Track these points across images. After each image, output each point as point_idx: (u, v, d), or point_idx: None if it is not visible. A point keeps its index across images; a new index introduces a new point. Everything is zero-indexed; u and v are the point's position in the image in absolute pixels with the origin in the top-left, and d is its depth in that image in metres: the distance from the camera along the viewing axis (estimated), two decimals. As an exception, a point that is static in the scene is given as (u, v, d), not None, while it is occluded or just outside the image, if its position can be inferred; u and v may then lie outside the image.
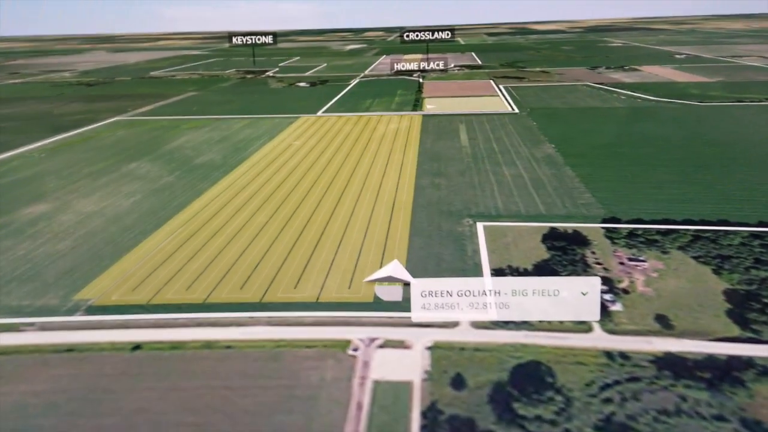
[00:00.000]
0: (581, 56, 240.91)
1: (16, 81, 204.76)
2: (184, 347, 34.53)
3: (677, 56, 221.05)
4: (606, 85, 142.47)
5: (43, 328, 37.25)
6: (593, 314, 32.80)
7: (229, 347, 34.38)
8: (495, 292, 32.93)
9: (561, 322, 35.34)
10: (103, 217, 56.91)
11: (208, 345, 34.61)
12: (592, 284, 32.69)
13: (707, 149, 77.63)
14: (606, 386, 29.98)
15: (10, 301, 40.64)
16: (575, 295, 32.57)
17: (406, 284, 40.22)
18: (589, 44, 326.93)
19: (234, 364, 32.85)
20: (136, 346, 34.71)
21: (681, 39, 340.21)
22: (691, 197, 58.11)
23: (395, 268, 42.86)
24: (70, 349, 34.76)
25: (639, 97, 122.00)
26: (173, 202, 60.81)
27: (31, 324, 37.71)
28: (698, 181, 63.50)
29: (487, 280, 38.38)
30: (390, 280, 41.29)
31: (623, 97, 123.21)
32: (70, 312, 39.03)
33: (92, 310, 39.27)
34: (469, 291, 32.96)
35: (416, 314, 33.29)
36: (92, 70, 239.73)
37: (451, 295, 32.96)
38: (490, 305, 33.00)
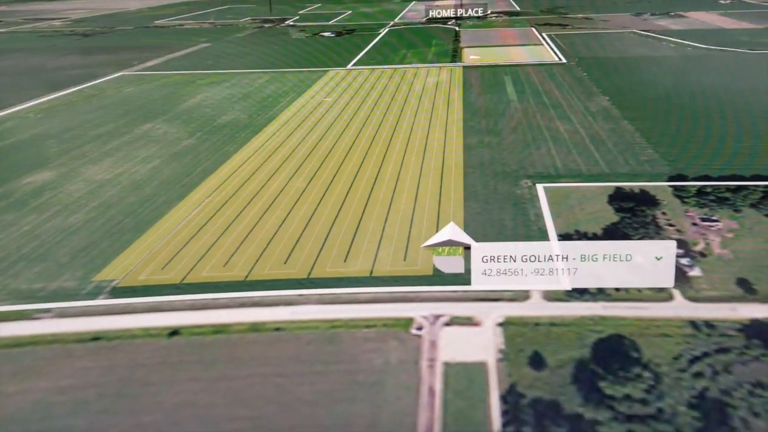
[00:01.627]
0: (624, 1, 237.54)
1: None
2: (228, 331, 33.32)
3: (721, 1, 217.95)
4: (653, 32, 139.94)
5: (62, 314, 35.39)
6: (668, 280, 32.64)
7: (278, 329, 33.25)
8: (562, 257, 32.85)
9: (639, 290, 34.78)
10: (118, 185, 55.26)
11: (255, 327, 33.49)
12: (667, 248, 32.33)
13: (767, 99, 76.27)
14: (695, 359, 29.49)
15: (19, 285, 38.69)
16: (649, 260, 32.41)
17: (467, 248, 39.38)
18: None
19: (285, 348, 31.70)
20: (174, 332, 33.39)
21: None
22: (757, 151, 57.04)
23: (453, 231, 42.15)
24: (96, 337, 33.14)
25: (689, 45, 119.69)
26: (198, 167, 59.36)
27: (47, 310, 35.72)
28: (763, 133, 62.35)
29: (554, 245, 38.25)
30: (449, 243, 40.80)
31: (673, 45, 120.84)
32: (92, 295, 37.21)
33: (118, 292, 37.56)
34: (535, 256, 32.57)
35: (477, 281, 33.07)
36: (87, 18, 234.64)
37: (515, 261, 32.62)
38: (558, 271, 32.94)
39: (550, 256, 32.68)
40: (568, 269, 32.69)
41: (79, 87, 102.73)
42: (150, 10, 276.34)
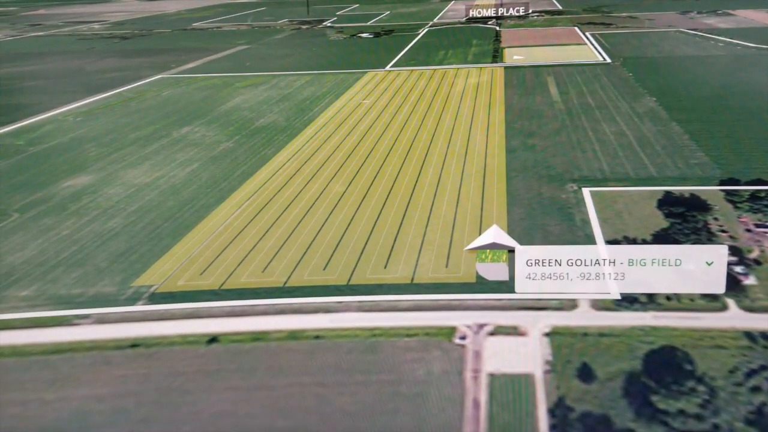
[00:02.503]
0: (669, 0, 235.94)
1: (39, 34, 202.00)
2: (267, 338, 32.87)
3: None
4: (701, 31, 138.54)
5: (101, 320, 35.24)
6: (719, 286, 31.67)
7: (317, 337, 32.75)
8: (610, 262, 32.02)
9: (691, 300, 34.01)
10: (157, 189, 55.13)
11: (294, 335, 33.03)
12: (719, 253, 31.44)
13: (822, 101, 74.51)
14: (752, 372, 28.56)
15: (58, 290, 38.47)
16: (700, 266, 31.53)
17: (511, 251, 38.79)
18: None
19: (325, 356, 31.21)
20: (212, 339, 33.03)
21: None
22: (812, 154, 55.36)
23: (497, 234, 41.57)
24: (134, 344, 32.89)
25: (738, 44, 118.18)
26: (236, 171, 59.11)
27: (86, 316, 35.55)
28: (817, 135, 60.59)
29: (601, 249, 37.31)
30: (493, 246, 40.24)
31: (721, 44, 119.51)
32: (131, 301, 37.00)
33: (156, 298, 37.37)
34: (581, 260, 31.82)
35: (521, 285, 32.34)
36: (125, 21, 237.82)
37: (560, 265, 31.87)
38: (605, 276, 32.13)
39: (597, 260, 31.94)
40: (616, 274, 31.86)
41: (118, 90, 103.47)
42: (188, 12, 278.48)
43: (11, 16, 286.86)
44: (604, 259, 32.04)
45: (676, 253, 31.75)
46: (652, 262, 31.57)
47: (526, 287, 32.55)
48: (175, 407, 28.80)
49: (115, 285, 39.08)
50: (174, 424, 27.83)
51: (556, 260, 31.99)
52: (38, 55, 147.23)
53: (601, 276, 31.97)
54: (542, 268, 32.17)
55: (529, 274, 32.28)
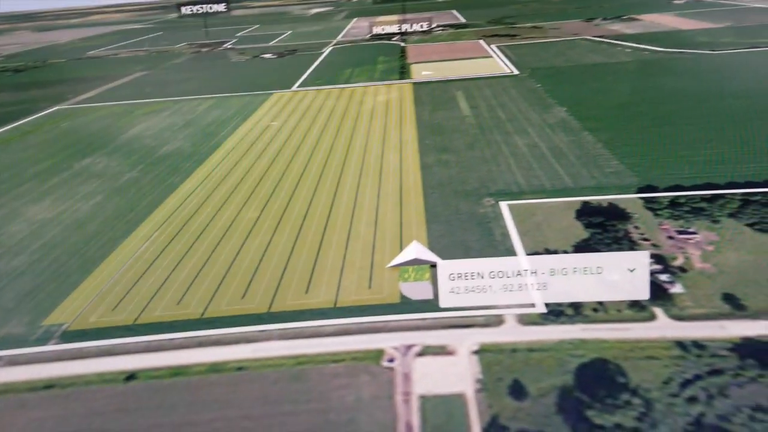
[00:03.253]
0: (573, 7, 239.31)
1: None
2: (188, 373, 32.24)
3: (676, 2, 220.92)
4: (607, 37, 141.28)
5: (12, 362, 34.38)
6: (642, 292, 32.02)
7: (240, 368, 32.25)
8: (531, 272, 32.06)
9: (619, 311, 34.47)
10: (61, 224, 53.92)
11: (216, 368, 32.43)
12: (641, 260, 31.86)
13: (734, 102, 76.34)
14: (687, 383, 28.91)
15: None
16: (621, 273, 31.80)
17: (433, 266, 39.37)
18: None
19: (250, 388, 30.71)
20: (130, 376, 32.32)
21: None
22: (729, 157, 56.96)
23: (418, 249, 42.15)
24: (49, 385, 32.07)
25: (646, 49, 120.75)
26: (142, 201, 58.08)
27: None
28: (733, 138, 62.37)
29: (522, 260, 37.56)
30: (415, 262, 40.58)
31: (628, 50, 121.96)
32: (42, 341, 36.12)
33: (68, 336, 36.51)
34: (503, 272, 31.95)
35: (444, 300, 32.33)
36: (19, 53, 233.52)
37: (482, 277, 31.96)
38: (527, 286, 32.16)
39: (519, 271, 32.01)
40: (538, 284, 31.86)
41: (15, 124, 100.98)
42: (81, 41, 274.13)
43: None
44: (526, 270, 32.09)
45: (598, 261, 31.99)
46: (574, 271, 31.77)
47: (450, 302, 32.41)
48: (95, 449, 28.05)
49: (24, 325, 38.22)
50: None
51: (478, 273, 32.05)
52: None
53: (524, 287, 32.06)
54: (465, 282, 32.18)
55: (453, 288, 32.26)
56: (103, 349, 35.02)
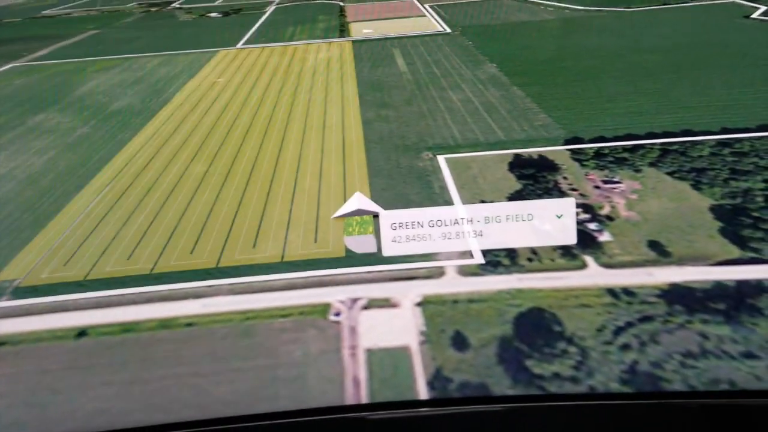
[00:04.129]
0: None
1: None
2: (138, 329, 30.38)
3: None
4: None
5: (-36, 319, 31.83)
6: (570, 237, 30.98)
7: (190, 324, 30.44)
8: (468, 221, 31.11)
9: (552, 260, 33.40)
10: (13, 180, 51.33)
11: (166, 324, 30.59)
12: (567, 206, 30.90)
13: (649, 57, 75.60)
14: (619, 330, 27.87)
15: None
16: (550, 219, 30.89)
17: (375, 216, 38.87)
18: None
19: (200, 345, 28.99)
20: (81, 332, 30.33)
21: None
22: (647, 108, 56.13)
23: (361, 200, 41.28)
24: (0, 342, 30.07)
25: (567, 8, 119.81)
26: (93, 156, 55.46)
27: None
28: (650, 90, 61.61)
29: (459, 209, 36.38)
30: (358, 213, 39.73)
31: (551, 9, 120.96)
32: (-6, 297, 33.44)
33: (20, 292, 34.27)
34: (441, 221, 30.76)
35: (387, 248, 31.00)
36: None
37: (422, 226, 30.62)
38: (464, 234, 31.16)
39: (456, 220, 30.66)
40: (474, 232, 30.73)
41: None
42: (36, 0, 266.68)
43: None
44: (463, 219, 31.03)
45: (529, 208, 30.66)
46: (507, 219, 30.55)
47: (392, 250, 31.13)
48: (46, 408, 26.09)
49: (-25, 281, 35.54)
50: (47, 425, 25.05)
51: (418, 222, 30.68)
52: None
53: (461, 234, 30.83)
54: (406, 231, 30.67)
55: (395, 237, 30.76)
56: (54, 305, 32.90)
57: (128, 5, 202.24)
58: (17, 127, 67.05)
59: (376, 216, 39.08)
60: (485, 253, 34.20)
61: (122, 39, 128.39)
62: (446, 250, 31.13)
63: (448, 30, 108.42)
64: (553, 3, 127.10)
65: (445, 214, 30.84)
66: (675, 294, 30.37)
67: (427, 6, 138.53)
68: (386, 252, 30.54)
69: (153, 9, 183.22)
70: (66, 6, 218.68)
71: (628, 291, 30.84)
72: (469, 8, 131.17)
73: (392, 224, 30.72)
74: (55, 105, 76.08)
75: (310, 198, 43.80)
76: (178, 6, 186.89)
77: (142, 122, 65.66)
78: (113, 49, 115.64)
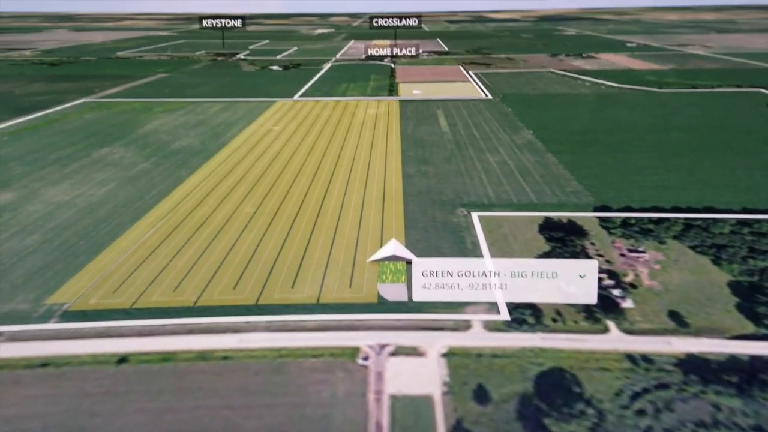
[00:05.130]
0: (541, 43, 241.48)
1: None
2: (176, 359, 29.84)
3: (628, 44, 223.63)
4: (569, 71, 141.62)
5: (13, 338, 31.82)
6: (591, 297, 30.62)
7: (226, 358, 29.88)
8: (495, 273, 30.67)
9: (575, 322, 32.77)
10: (75, 207, 51.37)
11: (203, 356, 30.05)
12: (590, 267, 30.57)
13: (677, 135, 76.06)
14: (636, 395, 27.04)
15: None
16: (574, 278, 30.41)
17: (408, 263, 38.14)
18: (546, 32, 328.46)
19: (233, 378, 28.38)
20: (122, 359, 29.84)
21: (628, 29, 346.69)
22: (673, 183, 55.83)
23: (396, 247, 40.95)
24: (45, 363, 29.53)
25: (602, 84, 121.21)
26: (152, 191, 55.75)
27: None
28: (676, 166, 61.44)
29: (487, 261, 36.30)
30: (392, 258, 39.50)
31: (588, 84, 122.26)
32: (44, 319, 33.52)
33: (68, 316, 33.89)
34: (470, 272, 30.64)
35: (417, 294, 30.86)
36: (55, 49, 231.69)
37: (451, 276, 30.74)
38: (491, 286, 30.72)
39: (484, 272, 30.54)
40: (500, 285, 30.46)
41: (44, 112, 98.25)
42: (113, 42, 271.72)
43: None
44: (490, 271, 30.75)
45: (553, 266, 30.90)
46: (532, 274, 30.62)
47: (422, 296, 30.93)
48: (82, 430, 25.57)
49: (29, 302, 35.53)
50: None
51: (448, 271, 30.74)
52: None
53: (488, 286, 30.66)
54: (436, 279, 30.94)
55: (425, 284, 30.87)
56: (99, 330, 32.52)
57: (197, 53, 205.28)
58: (83, 159, 67.46)
59: (409, 263, 38.51)
60: (511, 310, 33.51)
61: (188, 84, 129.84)
62: (473, 300, 30.81)
63: (490, 96, 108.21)
64: (590, 78, 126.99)
65: (473, 265, 30.50)
66: (691, 364, 29.42)
67: (471, 72, 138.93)
68: (416, 297, 30.16)
69: (219, 58, 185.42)
70: (139, 49, 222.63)
71: (646, 358, 29.90)
72: (511, 78, 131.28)
73: (423, 271, 30.44)
74: (121, 140, 76.55)
75: (349, 244, 43.20)
76: (243, 57, 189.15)
77: (200, 162, 65.74)
78: (179, 92, 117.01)
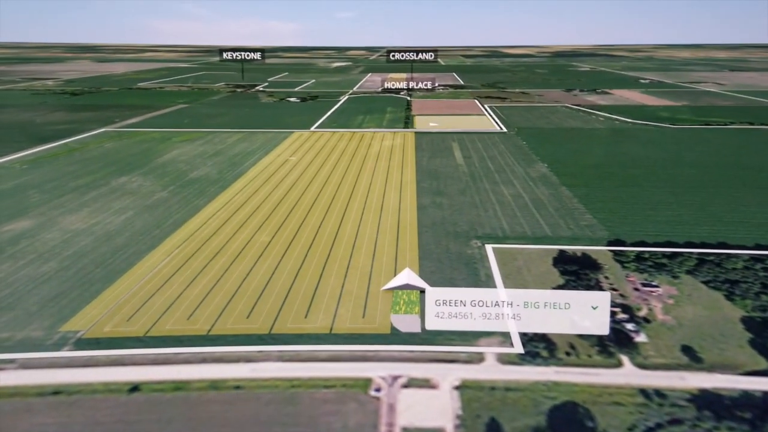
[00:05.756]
0: (555, 79, 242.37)
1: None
2: (188, 388, 29.52)
3: (642, 81, 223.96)
4: (583, 106, 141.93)
5: (26, 365, 31.57)
6: (603, 328, 30.22)
7: (238, 387, 29.55)
8: (508, 304, 30.35)
9: (589, 356, 32.36)
10: (92, 235, 51.25)
11: (215, 385, 29.73)
12: (602, 299, 30.21)
13: (690, 170, 75.78)
14: (649, 431, 26.66)
15: None
16: (586, 310, 30.06)
17: (422, 292, 37.91)
18: (560, 68, 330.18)
19: (245, 408, 28.01)
20: (134, 387, 29.55)
21: (641, 65, 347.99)
22: (686, 219, 55.44)
23: (410, 276, 40.80)
24: (56, 391, 29.25)
25: (616, 119, 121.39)
26: (168, 219, 55.66)
27: (11, 361, 31.90)
28: (690, 202, 61.07)
29: (500, 291, 35.99)
30: (406, 287, 39.34)
31: (602, 119, 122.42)
32: (57, 346, 33.29)
33: (82, 343, 33.64)
34: (483, 302, 30.33)
35: (430, 323, 30.52)
36: (77, 79, 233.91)
37: (464, 305, 30.39)
38: (503, 316, 30.39)
39: (497, 302, 30.28)
40: (513, 315, 30.13)
41: (64, 141, 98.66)
42: (134, 73, 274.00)
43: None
44: (503, 301, 30.47)
45: (566, 298, 30.53)
46: (545, 305, 30.21)
47: (435, 325, 30.60)
48: (92, 460, 25.31)
49: (43, 329, 35.26)
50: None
51: (461, 301, 30.42)
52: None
53: (501, 316, 30.33)
54: (449, 308, 30.59)
55: (438, 313, 30.51)
56: (112, 358, 32.24)
57: (217, 84, 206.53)
58: (101, 187, 67.54)
59: (422, 292, 38.19)
60: (525, 342, 33.10)
61: (208, 114, 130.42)
62: (485, 329, 30.42)
63: (505, 129, 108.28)
64: (603, 113, 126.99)
65: (486, 295, 30.18)
66: (704, 399, 28.93)
67: (487, 106, 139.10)
68: (429, 326, 29.86)
69: (239, 90, 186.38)
70: (160, 80, 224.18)
71: (660, 392, 29.42)
72: (525, 112, 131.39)
73: (437, 300, 30.12)
74: (139, 169, 76.62)
75: (362, 274, 42.83)
76: (261, 89, 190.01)
77: (217, 191, 65.71)
78: (198, 122, 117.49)
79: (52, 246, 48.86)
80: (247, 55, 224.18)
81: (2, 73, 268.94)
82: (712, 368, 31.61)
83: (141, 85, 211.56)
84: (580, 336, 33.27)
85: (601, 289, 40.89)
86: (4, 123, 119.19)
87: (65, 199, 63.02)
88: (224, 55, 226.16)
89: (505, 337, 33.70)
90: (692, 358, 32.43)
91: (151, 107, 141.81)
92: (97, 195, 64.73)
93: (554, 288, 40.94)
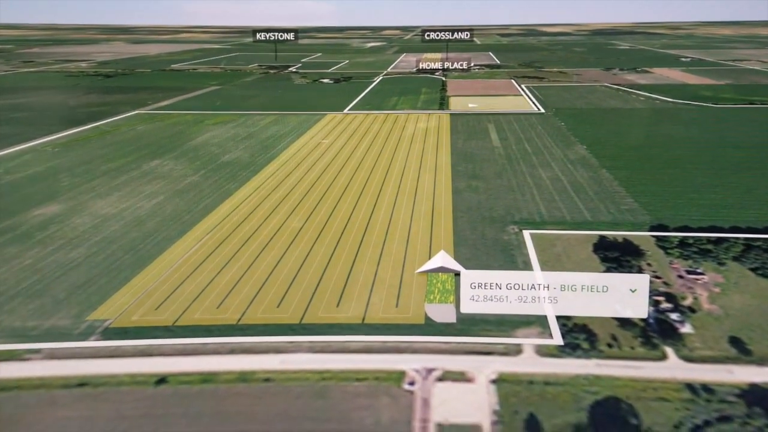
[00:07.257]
0: (594, 57, 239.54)
1: (30, 70, 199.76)
2: (216, 380, 28.85)
3: (683, 59, 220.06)
4: (623, 86, 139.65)
5: (52, 356, 31.01)
6: (642, 311, 29.35)
7: (267, 380, 28.80)
8: (544, 287, 29.44)
9: (632, 348, 31.22)
10: (122, 220, 50.88)
11: (244, 377, 29.03)
12: (641, 282, 29.25)
13: (735, 152, 73.86)
14: (697, 429, 25.47)
15: (13, 322, 34.19)
16: (625, 292, 29.09)
17: (457, 274, 37.41)
18: (599, 46, 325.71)
19: (274, 402, 27.26)
20: (161, 379, 28.93)
21: (681, 43, 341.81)
22: (732, 202, 53.89)
23: (445, 259, 40.13)
24: (82, 383, 28.66)
25: (657, 99, 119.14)
26: (199, 204, 55.20)
27: (37, 351, 31.34)
28: (735, 185, 59.43)
29: (537, 274, 35.17)
30: (441, 270, 38.81)
31: (642, 98, 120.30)
32: (84, 336, 32.72)
33: (109, 333, 33.06)
34: (519, 284, 29.59)
35: (465, 306, 29.80)
36: (110, 61, 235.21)
37: (500, 288, 29.62)
38: (540, 299, 29.51)
39: (533, 285, 29.48)
40: (550, 298, 29.24)
41: (96, 123, 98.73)
42: (168, 55, 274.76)
43: (7, 53, 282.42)
44: (539, 284, 29.59)
45: (604, 280, 29.77)
46: (582, 288, 29.40)
47: (470, 308, 29.78)
48: (116, 456, 24.62)
49: (70, 318, 34.75)
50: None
51: (497, 284, 29.73)
52: (26, 90, 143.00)
53: (537, 299, 29.50)
54: (484, 291, 29.91)
55: (473, 296, 29.75)
56: (139, 349, 31.67)
57: (249, 66, 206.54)
58: (132, 171, 67.29)
59: (457, 275, 37.61)
60: (564, 334, 32.08)
61: (240, 96, 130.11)
62: (521, 312, 29.53)
63: (543, 110, 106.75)
64: (644, 93, 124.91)
65: (522, 278, 29.32)
66: (755, 395, 27.72)
67: (523, 86, 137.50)
68: (464, 309, 28.99)
69: (272, 71, 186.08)
70: (193, 62, 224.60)
71: (707, 387, 28.25)
72: (563, 92, 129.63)
73: (472, 283, 29.25)
74: (171, 152, 76.31)
75: (396, 262, 41.99)
76: (295, 70, 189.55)
77: (249, 175, 65.17)
78: (231, 104, 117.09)
79: (81, 231, 48.53)
80: (281, 36, 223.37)
81: (36, 55, 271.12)
82: (762, 361, 30.30)
83: (174, 66, 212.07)
84: (622, 326, 32.27)
85: (643, 277, 39.77)
86: (37, 105, 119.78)
87: (96, 183, 62.81)
88: (257, 35, 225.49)
89: (543, 328, 32.69)
90: (741, 351, 31.19)
91: (183, 89, 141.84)
92: (128, 179, 64.51)
93: (595, 276, 39.82)
